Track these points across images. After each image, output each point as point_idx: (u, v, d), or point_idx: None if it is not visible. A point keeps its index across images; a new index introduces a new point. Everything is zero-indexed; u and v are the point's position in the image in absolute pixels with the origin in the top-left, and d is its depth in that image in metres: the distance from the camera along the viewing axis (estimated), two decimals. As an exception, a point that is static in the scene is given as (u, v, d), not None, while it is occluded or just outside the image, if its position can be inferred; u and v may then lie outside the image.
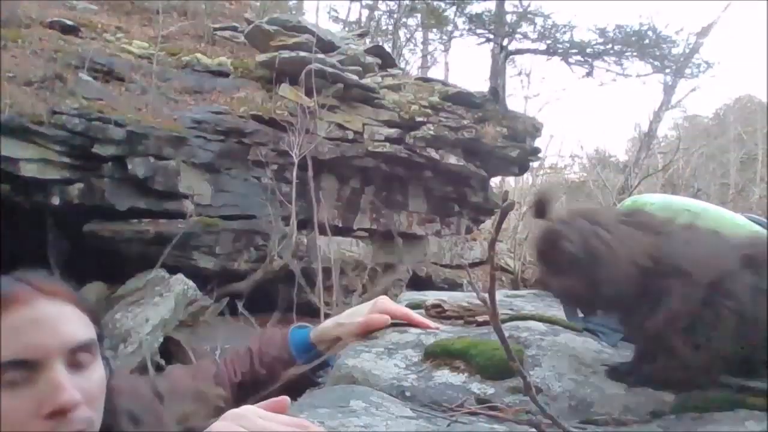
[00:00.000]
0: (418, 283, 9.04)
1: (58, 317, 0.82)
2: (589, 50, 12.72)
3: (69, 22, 8.95)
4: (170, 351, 6.69)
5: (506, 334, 1.51)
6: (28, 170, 6.63)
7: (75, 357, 0.81)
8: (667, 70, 14.81)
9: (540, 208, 1.36)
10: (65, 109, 6.87)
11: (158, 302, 6.14)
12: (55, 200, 6.85)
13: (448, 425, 1.05)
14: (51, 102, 6.92)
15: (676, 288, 1.14)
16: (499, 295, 2.33)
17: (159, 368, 6.64)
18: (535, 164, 14.26)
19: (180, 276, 6.59)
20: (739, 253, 1.20)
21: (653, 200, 1.99)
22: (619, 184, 15.44)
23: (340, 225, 9.33)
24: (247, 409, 0.83)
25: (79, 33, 8.96)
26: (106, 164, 7.07)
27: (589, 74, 13.20)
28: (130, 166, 7.09)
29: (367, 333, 1.31)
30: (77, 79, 7.60)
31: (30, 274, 0.87)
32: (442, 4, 14.47)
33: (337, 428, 0.96)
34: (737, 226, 1.54)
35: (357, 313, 1.36)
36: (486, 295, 0.95)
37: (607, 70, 13.28)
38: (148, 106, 7.68)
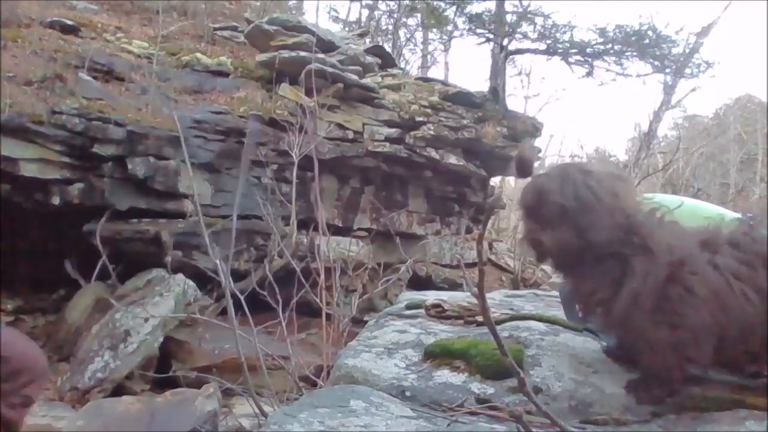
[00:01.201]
0: (418, 282, 9.04)
1: None
2: (589, 50, 12.69)
3: (69, 22, 8.94)
4: (170, 351, 6.69)
5: (506, 334, 1.51)
6: (28, 170, 6.62)
7: None
8: (667, 70, 14.78)
9: (523, 166, 1.37)
10: (65, 108, 6.86)
11: (158, 302, 6.13)
12: (55, 200, 6.84)
13: (449, 425, 1.05)
14: (51, 102, 6.91)
15: (640, 266, 1.17)
16: (499, 294, 2.34)
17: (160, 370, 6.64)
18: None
19: (180, 276, 6.59)
20: (697, 239, 1.27)
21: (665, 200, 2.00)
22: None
23: (340, 225, 9.32)
24: None
25: (79, 33, 8.95)
26: (106, 164, 7.06)
27: (589, 74, 13.17)
28: (130, 166, 7.08)
29: None
30: (77, 78, 7.59)
31: None
32: (442, 4, 14.44)
33: (337, 428, 0.96)
34: (710, 217, 1.58)
35: None
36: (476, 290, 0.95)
37: (607, 70, 13.26)
38: (148, 106, 7.67)
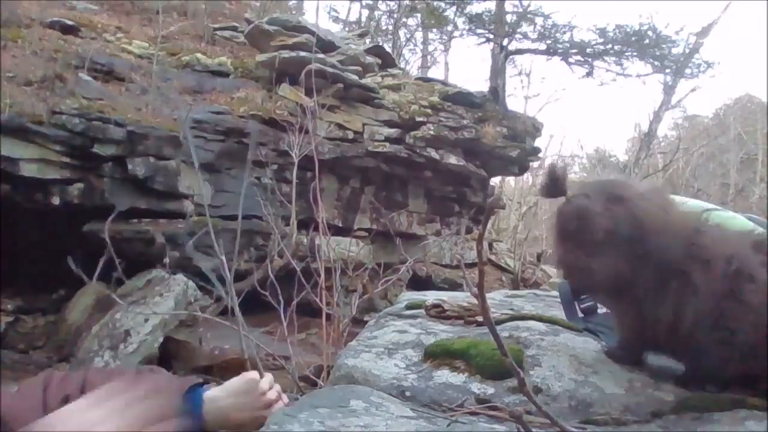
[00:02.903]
0: (419, 283, 9.05)
1: None
2: (589, 50, 12.71)
3: (69, 22, 8.95)
4: (171, 351, 6.69)
5: (506, 334, 1.51)
6: (29, 170, 6.63)
7: None
8: (667, 70, 14.81)
9: (555, 186, 1.28)
10: (65, 109, 6.87)
11: (158, 302, 6.14)
12: (56, 200, 6.84)
13: (448, 425, 1.05)
14: (51, 102, 6.92)
15: (703, 281, 1.13)
16: (499, 294, 2.33)
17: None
18: (535, 164, 14.25)
19: (180, 276, 6.59)
20: (749, 240, 1.20)
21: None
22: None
23: (341, 225, 9.33)
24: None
25: (79, 33, 8.96)
26: (106, 164, 7.06)
27: (589, 74, 13.20)
28: (130, 166, 7.08)
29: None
30: (77, 79, 7.60)
31: None
32: (442, 4, 14.47)
33: (337, 428, 0.96)
34: (736, 224, 1.55)
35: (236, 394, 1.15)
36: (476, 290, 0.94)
37: (607, 70, 13.29)
38: (148, 106, 7.68)
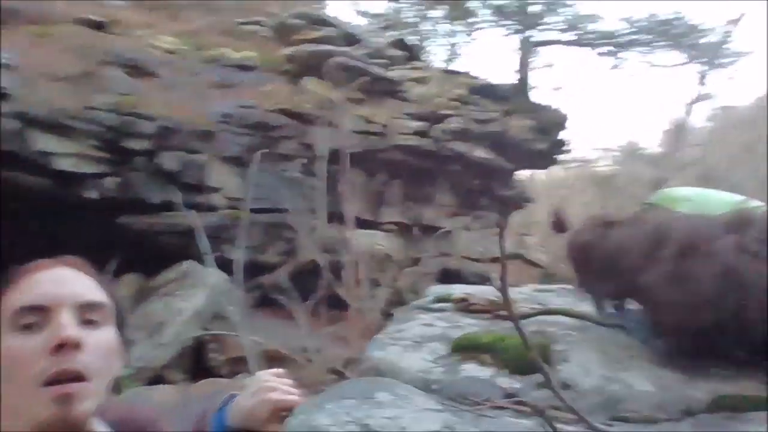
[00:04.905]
0: (448, 276, 9.00)
1: (72, 278, 0.93)
2: (617, 40, 12.45)
3: (99, 19, 9.11)
4: (205, 341, 6.80)
5: (534, 328, 1.50)
6: (64, 164, 6.79)
7: (86, 313, 0.91)
8: (701, 60, 14.41)
9: (559, 224, 1.77)
10: (98, 104, 7.01)
11: (191, 294, 6.24)
12: (91, 193, 7.00)
13: (475, 418, 1.05)
14: (84, 97, 7.06)
15: (667, 254, 1.36)
16: (529, 289, 2.32)
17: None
18: (563, 157, 14.04)
19: (212, 268, 6.69)
20: (721, 222, 1.47)
21: (679, 193, 2.25)
22: (651, 177, 15.11)
23: (368, 218, 9.34)
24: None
25: (110, 29, 9.11)
26: (138, 158, 7.20)
27: (618, 65, 12.93)
28: (160, 160, 7.21)
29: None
30: (108, 74, 7.75)
31: (63, 256, 0.98)
32: (467, -4, 14.32)
33: (363, 420, 0.97)
34: (729, 203, 1.81)
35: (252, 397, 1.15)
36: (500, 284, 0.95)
37: (639, 61, 13.00)
38: (177, 101, 7.78)
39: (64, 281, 0.92)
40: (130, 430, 1.03)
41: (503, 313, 1.77)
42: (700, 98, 16.87)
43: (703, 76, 16.48)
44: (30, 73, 6.95)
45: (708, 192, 2.16)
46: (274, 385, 1.13)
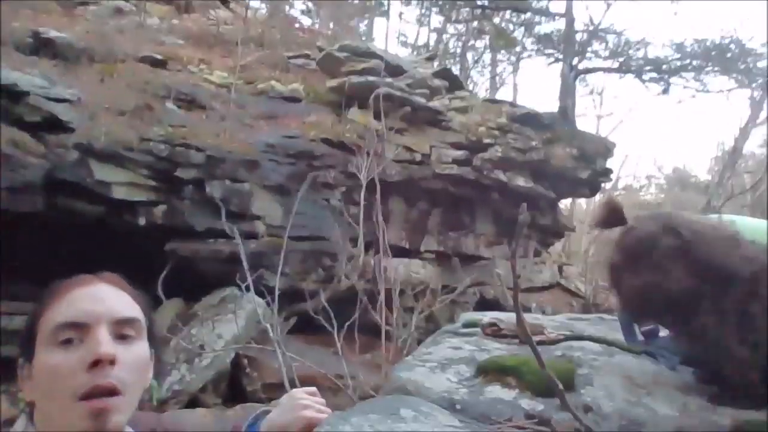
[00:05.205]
0: (486, 305, 8.91)
1: (109, 295, 0.99)
2: (665, 66, 12.26)
3: (158, 57, 9.67)
4: (241, 366, 6.94)
5: (559, 353, 1.52)
6: (119, 193, 7.16)
7: (121, 329, 0.97)
8: (754, 85, 14.01)
9: (615, 216, 1.35)
10: (152, 136, 7.40)
11: (231, 319, 6.41)
12: (141, 220, 7.35)
13: (495, 436, 1.08)
14: (140, 130, 7.47)
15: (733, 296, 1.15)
16: (563, 317, 2.31)
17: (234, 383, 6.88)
18: (608, 185, 13.80)
19: (251, 294, 6.86)
20: None
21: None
22: (700, 206, 14.63)
23: (407, 246, 9.40)
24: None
25: (167, 66, 9.66)
26: (186, 187, 7.51)
27: (665, 91, 12.71)
28: (207, 189, 7.50)
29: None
30: (164, 108, 8.18)
31: (101, 272, 1.05)
32: (511, 26, 14.44)
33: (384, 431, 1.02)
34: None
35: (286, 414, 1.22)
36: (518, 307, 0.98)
37: (685, 87, 12.74)
38: (226, 132, 8.13)
39: (101, 298, 0.97)
40: None
41: (537, 338, 1.77)
42: (753, 124, 16.32)
43: (757, 101, 15.99)
44: (94, 108, 7.43)
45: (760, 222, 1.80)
46: (307, 402, 1.19)
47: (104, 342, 0.92)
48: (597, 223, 1.46)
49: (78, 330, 0.93)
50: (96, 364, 0.91)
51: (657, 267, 1.24)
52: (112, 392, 0.92)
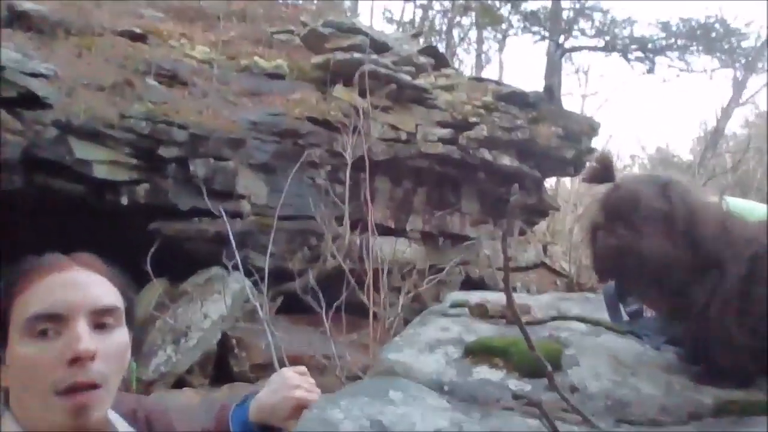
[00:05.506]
0: (471, 285, 9.00)
1: (86, 282, 0.95)
2: (650, 45, 12.28)
3: (137, 31, 9.43)
4: (228, 347, 6.94)
5: (546, 333, 1.53)
6: (100, 172, 7.03)
7: (99, 318, 0.93)
8: (737, 65, 14.11)
9: (605, 171, 1.31)
10: (133, 113, 7.25)
11: (217, 299, 6.39)
12: (124, 200, 7.23)
13: (483, 418, 1.09)
14: (121, 106, 7.31)
15: (733, 270, 1.13)
16: (548, 297, 2.33)
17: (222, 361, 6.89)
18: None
19: (237, 274, 6.83)
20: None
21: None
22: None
23: (393, 226, 9.40)
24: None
25: (147, 40, 9.42)
26: (169, 165, 7.40)
27: (650, 71, 12.75)
28: (191, 168, 7.39)
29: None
30: (144, 84, 8.00)
31: (76, 252, 1.01)
32: (497, 3, 14.32)
33: (375, 415, 1.02)
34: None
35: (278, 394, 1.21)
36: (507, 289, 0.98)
37: (670, 66, 12.79)
38: (209, 109, 8.00)
39: (78, 287, 0.93)
40: (142, 420, 1.08)
41: (524, 318, 1.78)
42: (736, 104, 16.48)
43: (740, 82, 16.13)
44: (71, 83, 7.24)
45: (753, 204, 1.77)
46: (297, 382, 1.19)
47: (84, 337, 0.89)
48: (587, 177, 1.45)
49: (55, 321, 0.89)
50: (76, 360, 0.88)
51: (635, 228, 1.22)
52: (92, 387, 0.90)
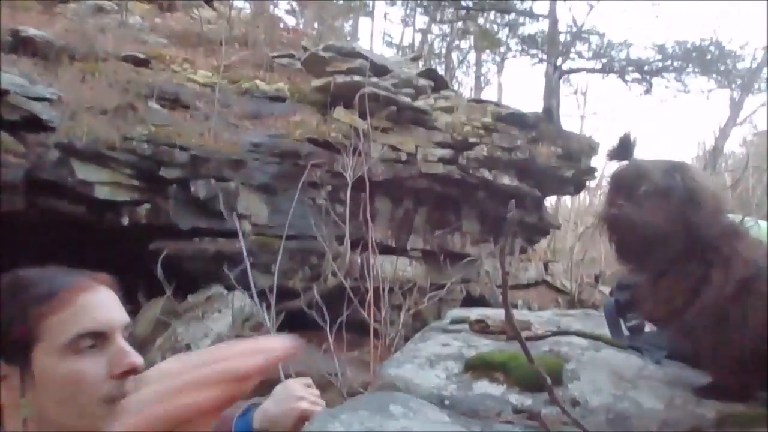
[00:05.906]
0: (472, 302, 8.97)
1: (114, 301, 1.04)
2: (646, 67, 12.41)
3: (141, 56, 9.56)
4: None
5: (546, 348, 1.53)
6: (102, 192, 7.07)
7: (125, 334, 1.02)
8: (733, 86, 14.23)
9: (626, 148, 1.35)
10: (136, 135, 7.32)
11: (217, 317, 6.37)
12: (125, 220, 7.26)
13: (482, 431, 1.09)
14: (123, 129, 7.38)
15: (717, 277, 1.14)
16: (549, 313, 2.33)
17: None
18: (592, 183, 13.94)
19: (238, 292, 6.83)
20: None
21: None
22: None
23: (394, 245, 9.40)
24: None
25: (150, 65, 9.55)
26: (170, 186, 7.45)
27: (647, 92, 12.86)
28: (192, 188, 7.43)
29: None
30: (147, 107, 8.10)
31: (91, 273, 1.08)
32: (495, 27, 14.51)
33: (375, 429, 1.02)
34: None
35: (282, 405, 1.22)
36: (507, 306, 0.99)
37: (667, 87, 12.91)
38: (210, 131, 8.07)
39: (112, 305, 1.02)
40: None
41: (525, 333, 1.79)
42: (734, 124, 16.59)
43: (737, 102, 16.26)
44: (75, 107, 7.33)
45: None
46: (302, 394, 1.19)
47: (131, 352, 0.97)
48: (609, 155, 1.48)
49: (98, 338, 0.97)
50: (129, 373, 0.96)
51: (635, 201, 1.25)
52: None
